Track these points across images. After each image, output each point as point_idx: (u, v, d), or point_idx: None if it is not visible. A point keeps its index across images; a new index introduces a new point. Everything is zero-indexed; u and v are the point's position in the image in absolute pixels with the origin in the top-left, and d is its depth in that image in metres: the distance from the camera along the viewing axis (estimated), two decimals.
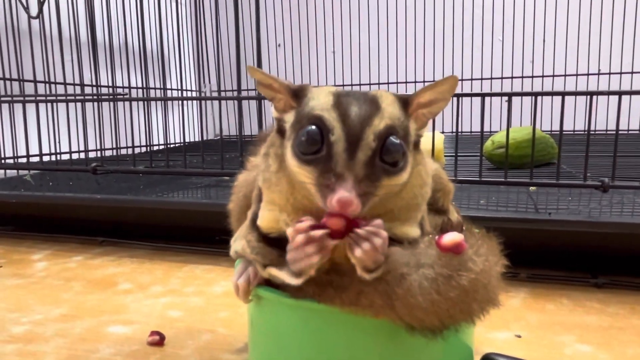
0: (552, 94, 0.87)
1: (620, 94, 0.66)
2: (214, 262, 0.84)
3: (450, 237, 0.33)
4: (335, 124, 0.32)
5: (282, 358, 0.40)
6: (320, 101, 0.33)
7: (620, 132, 0.72)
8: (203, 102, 1.88)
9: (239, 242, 0.41)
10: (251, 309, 0.43)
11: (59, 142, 1.21)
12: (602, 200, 0.83)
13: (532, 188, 0.96)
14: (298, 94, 0.36)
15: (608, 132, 1.52)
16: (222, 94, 2.04)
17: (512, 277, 0.74)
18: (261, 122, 1.30)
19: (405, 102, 0.36)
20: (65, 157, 1.28)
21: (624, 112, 0.76)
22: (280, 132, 0.36)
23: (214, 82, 2.06)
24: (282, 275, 0.36)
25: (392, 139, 0.32)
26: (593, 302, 0.66)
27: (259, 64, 0.96)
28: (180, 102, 1.39)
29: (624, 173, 0.90)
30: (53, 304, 0.68)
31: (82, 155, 1.26)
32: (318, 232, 0.32)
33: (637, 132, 1.62)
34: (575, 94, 0.71)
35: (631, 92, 0.71)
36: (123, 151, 1.30)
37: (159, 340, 0.56)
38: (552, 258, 0.79)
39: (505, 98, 0.75)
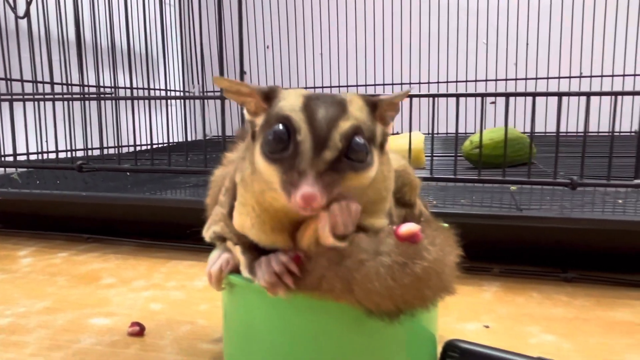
0: (524, 94, 0.89)
1: (588, 94, 0.69)
2: (198, 258, 0.86)
3: (407, 227, 0.35)
4: (302, 124, 0.33)
5: (253, 343, 0.42)
6: (289, 102, 0.35)
7: (590, 133, 0.74)
8: (187, 102, 1.90)
9: (217, 225, 0.43)
10: (224, 297, 0.45)
11: (47, 141, 1.22)
12: (574, 198, 0.86)
13: (512, 187, 0.99)
14: (269, 96, 0.37)
15: (578, 134, 1.56)
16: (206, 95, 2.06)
17: (485, 272, 0.76)
18: (240, 122, 1.32)
19: (373, 105, 0.38)
20: (52, 155, 1.29)
21: (594, 114, 0.78)
22: (253, 135, 0.38)
23: (201, 83, 2.08)
24: (240, 259, 0.40)
25: (357, 139, 0.34)
26: (561, 295, 0.68)
27: (242, 66, 0.97)
28: (165, 102, 1.40)
29: (595, 172, 0.93)
30: (37, 297, 0.69)
31: (69, 154, 1.28)
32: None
33: (607, 133, 1.65)
34: (547, 94, 0.73)
35: (600, 93, 0.74)
36: (110, 151, 1.31)
37: (139, 330, 0.58)
38: (525, 254, 0.82)
39: (490, 99, 0.78)
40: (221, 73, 1.09)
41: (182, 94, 1.92)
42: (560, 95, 0.69)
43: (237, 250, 0.41)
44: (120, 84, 1.49)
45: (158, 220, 0.96)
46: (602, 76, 1.73)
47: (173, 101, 1.80)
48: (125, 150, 1.48)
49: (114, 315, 0.63)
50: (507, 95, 0.73)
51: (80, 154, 1.29)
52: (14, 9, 1.10)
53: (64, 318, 0.62)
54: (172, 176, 1.22)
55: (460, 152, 1.11)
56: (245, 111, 0.39)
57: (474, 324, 0.60)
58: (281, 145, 0.33)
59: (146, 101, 1.40)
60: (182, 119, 1.65)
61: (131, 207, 0.93)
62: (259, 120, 0.37)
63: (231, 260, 0.41)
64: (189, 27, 1.74)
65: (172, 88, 1.91)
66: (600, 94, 0.74)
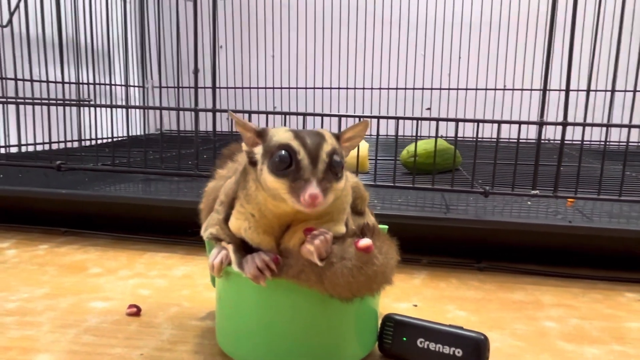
0: (449, 120, 1.06)
1: (499, 122, 0.87)
2: (171, 250, 0.98)
3: (364, 242, 0.50)
4: (299, 148, 0.47)
5: (243, 319, 0.55)
6: (283, 136, 0.49)
7: (502, 139, 0.93)
8: (146, 97, 1.97)
9: (213, 228, 0.56)
10: (219, 284, 0.58)
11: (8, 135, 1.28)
12: (487, 201, 1.05)
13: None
14: (261, 133, 0.51)
15: (492, 139, 1.77)
16: (163, 90, 2.13)
17: (415, 263, 0.93)
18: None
19: (337, 137, 0.52)
20: (14, 149, 1.35)
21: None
22: (252, 163, 0.51)
23: (155, 78, 2.15)
24: (232, 257, 0.54)
25: (336, 157, 0.49)
26: (474, 281, 0.86)
27: (195, 64, 1.08)
28: (126, 97, 1.48)
29: (509, 178, 1.12)
30: (35, 285, 0.79)
31: (31, 149, 1.34)
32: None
33: (535, 141, 1.89)
34: (467, 120, 0.90)
35: (508, 122, 0.92)
36: (74, 144, 1.39)
37: (136, 311, 0.70)
38: (448, 248, 0.99)
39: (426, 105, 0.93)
40: (179, 69, 1.20)
41: (139, 89, 1.99)
42: (477, 122, 0.87)
43: (230, 249, 0.55)
44: (83, 79, 1.55)
45: (131, 215, 1.07)
46: (522, 90, 1.96)
47: (132, 95, 1.87)
48: (85, 144, 1.54)
49: (110, 300, 0.74)
50: (437, 120, 0.89)
51: (40, 147, 1.35)
52: None
53: (66, 302, 0.73)
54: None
55: (399, 160, 1.29)
56: (243, 144, 0.53)
57: (405, 304, 0.76)
58: (286, 164, 0.47)
59: (107, 96, 1.47)
60: (141, 113, 1.73)
61: (107, 204, 1.03)
62: (257, 150, 0.51)
63: (229, 255, 0.55)
64: (148, 25, 1.81)
65: (132, 84, 1.96)
66: (510, 122, 0.93)
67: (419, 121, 0.95)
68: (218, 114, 1.13)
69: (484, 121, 0.88)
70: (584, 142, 0.97)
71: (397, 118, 0.91)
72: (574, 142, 1.56)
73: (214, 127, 1.05)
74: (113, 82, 1.86)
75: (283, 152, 0.48)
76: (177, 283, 0.82)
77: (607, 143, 0.97)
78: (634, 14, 1.67)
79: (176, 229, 1.05)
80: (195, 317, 0.70)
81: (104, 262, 0.90)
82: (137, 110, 1.93)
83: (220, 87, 2.12)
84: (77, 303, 0.73)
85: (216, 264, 0.54)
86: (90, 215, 1.09)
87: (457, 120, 0.89)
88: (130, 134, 1.16)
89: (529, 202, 1.11)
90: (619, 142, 1.85)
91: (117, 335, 0.63)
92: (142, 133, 2.00)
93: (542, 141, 0.89)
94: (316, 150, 0.48)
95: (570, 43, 0.85)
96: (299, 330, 0.54)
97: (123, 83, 1.96)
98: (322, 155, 0.48)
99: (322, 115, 1.03)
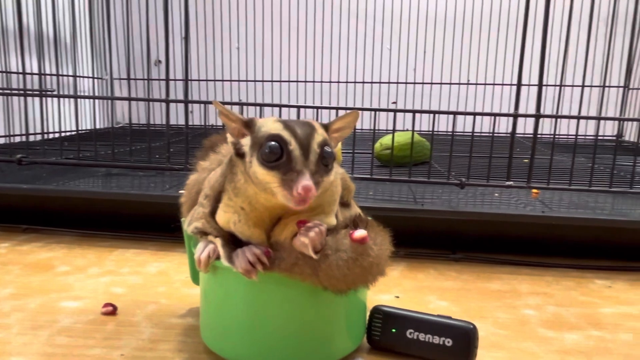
0: (427, 112, 1.07)
1: (474, 114, 0.88)
2: (142, 246, 0.94)
3: (359, 233, 0.49)
4: (290, 139, 0.45)
5: (231, 314, 0.54)
6: (272, 126, 0.47)
7: (477, 133, 0.94)
8: (101, 90, 1.90)
9: (199, 222, 0.54)
10: (205, 280, 0.56)
11: None
12: (460, 193, 1.06)
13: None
14: (249, 124, 0.49)
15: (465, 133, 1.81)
16: (132, 82, 2.06)
17: (393, 255, 0.93)
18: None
19: (326, 127, 0.51)
20: None
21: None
22: (239, 154, 0.49)
23: (114, 70, 2.07)
24: (220, 251, 0.52)
25: (326, 148, 0.47)
26: (451, 272, 0.87)
27: (166, 55, 1.05)
28: (74, 88, 1.41)
29: (477, 172, 1.14)
30: None
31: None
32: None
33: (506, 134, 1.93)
34: (445, 113, 0.91)
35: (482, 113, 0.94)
36: (33, 137, 1.32)
37: (112, 310, 0.67)
38: (424, 239, 1.00)
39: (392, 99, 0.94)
40: (127, 61, 1.16)
41: (98, 81, 1.91)
42: (455, 114, 0.87)
43: (218, 243, 0.53)
44: (28, 69, 1.47)
45: (98, 211, 1.02)
46: (485, 84, 2.00)
47: (86, 88, 1.79)
48: (40, 137, 1.47)
49: (82, 299, 0.71)
50: (413, 112, 0.90)
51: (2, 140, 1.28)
52: None
53: (34, 302, 0.69)
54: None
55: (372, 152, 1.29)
56: (228, 135, 0.51)
57: (387, 295, 0.76)
58: (276, 156, 0.45)
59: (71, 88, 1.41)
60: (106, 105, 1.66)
61: (72, 200, 0.98)
62: (245, 142, 0.49)
63: (217, 250, 0.53)
64: (115, 15, 1.74)
65: (83, 74, 1.88)
66: (485, 114, 0.95)
67: (395, 113, 0.95)
68: (189, 106, 1.09)
69: (460, 113, 0.89)
70: (556, 136, 1.00)
71: (375, 110, 0.90)
72: (544, 136, 1.59)
73: (187, 119, 1.01)
74: (78, 74, 1.78)
75: (273, 142, 0.46)
76: (152, 280, 0.79)
77: (577, 137, 1.00)
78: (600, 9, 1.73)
79: (146, 225, 1.01)
80: (175, 314, 0.67)
81: (71, 260, 0.86)
82: (105, 102, 1.86)
83: (192, 80, 2.07)
84: (46, 303, 0.69)
85: (203, 259, 0.52)
86: (53, 211, 1.04)
87: (434, 112, 0.90)
88: (96, 127, 1.11)
89: (496, 194, 1.13)
90: (586, 135, 1.92)
91: (94, 336, 0.60)
92: (110, 126, 1.93)
93: (517, 135, 0.90)
94: (307, 140, 0.46)
95: (543, 38, 0.86)
96: (290, 325, 0.53)
97: (89, 75, 1.88)
98: (314, 146, 0.46)
99: (280, 106, 1.02)
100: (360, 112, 0.53)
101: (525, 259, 0.92)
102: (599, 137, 1.71)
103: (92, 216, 1.04)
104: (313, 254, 0.47)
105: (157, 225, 1.01)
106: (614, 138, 1.97)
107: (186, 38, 1.04)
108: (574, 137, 1.41)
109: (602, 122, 1.82)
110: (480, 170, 1.18)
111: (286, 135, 0.46)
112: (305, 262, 0.48)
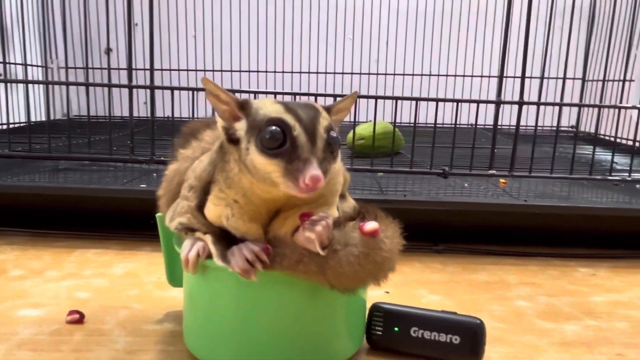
0: (389, 97, 1.04)
1: (437, 100, 0.85)
2: (104, 246, 0.86)
3: (370, 225, 0.45)
4: (294, 123, 0.40)
5: (223, 319, 0.48)
6: (272, 108, 0.42)
7: (459, 125, 0.91)
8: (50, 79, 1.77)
9: (183, 217, 0.48)
10: (191, 281, 0.50)
11: None
12: (443, 183, 1.04)
13: (379, 174, 1.14)
14: (244, 105, 0.44)
15: (444, 125, 1.80)
16: (70, 71, 1.93)
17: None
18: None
19: (328, 110, 0.46)
20: None
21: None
22: (232, 140, 0.43)
23: (61, 58, 1.94)
24: (212, 249, 0.46)
25: (332, 133, 0.42)
26: (436, 264, 0.85)
27: (129, 44, 0.97)
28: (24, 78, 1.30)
29: (463, 162, 1.12)
30: None
31: None
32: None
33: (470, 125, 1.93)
34: (407, 99, 0.88)
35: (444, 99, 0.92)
36: None
37: (79, 318, 0.59)
38: (406, 231, 0.97)
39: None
40: (86, 48, 1.07)
41: (42, 69, 1.77)
42: (417, 99, 0.85)
43: (208, 240, 0.47)
44: None
45: (51, 208, 0.93)
46: (447, 75, 2.00)
47: (33, 78, 1.66)
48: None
49: (42, 306, 0.63)
50: (395, 99, 0.86)
51: None
52: None
53: None
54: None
55: (347, 144, 1.26)
56: (218, 118, 0.45)
57: (377, 291, 0.72)
58: (278, 142, 0.40)
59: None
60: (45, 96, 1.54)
61: (21, 197, 0.89)
62: (239, 126, 0.43)
63: (206, 248, 0.47)
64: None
65: (31, 63, 1.74)
66: (469, 101, 0.92)
67: (376, 101, 0.91)
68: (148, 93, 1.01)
69: (443, 100, 0.86)
70: (537, 127, 0.98)
71: (335, 96, 0.86)
72: (527, 128, 1.58)
73: (152, 107, 0.93)
74: (8, 61, 1.64)
75: (274, 127, 0.40)
76: (119, 282, 0.72)
77: (558, 127, 1.00)
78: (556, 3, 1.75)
79: (107, 222, 0.93)
80: (150, 320, 0.61)
81: (25, 263, 0.78)
82: (60, 93, 1.72)
83: (156, 69, 1.95)
84: (1, 313, 0.61)
85: (191, 258, 0.46)
86: (1, 209, 0.94)
87: (416, 99, 0.87)
88: (50, 119, 1.01)
89: (466, 185, 1.12)
90: (569, 126, 1.94)
91: (60, 348, 0.53)
92: (65, 117, 1.79)
93: (499, 126, 0.88)
94: (313, 125, 0.41)
95: (526, 30, 0.85)
96: (286, 328, 0.48)
97: (21, 62, 1.74)
98: (320, 130, 0.41)
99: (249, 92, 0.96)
100: (357, 93, 0.48)
101: (507, 249, 0.91)
102: (560, 127, 1.74)
103: (44, 214, 0.95)
104: (320, 249, 0.43)
105: (119, 223, 0.93)
106: (573, 129, 2.01)
107: (151, 25, 0.96)
108: (555, 127, 1.41)
109: (561, 112, 1.86)
110: (460, 160, 1.16)
111: (289, 119, 0.41)
112: (311, 258, 0.43)
